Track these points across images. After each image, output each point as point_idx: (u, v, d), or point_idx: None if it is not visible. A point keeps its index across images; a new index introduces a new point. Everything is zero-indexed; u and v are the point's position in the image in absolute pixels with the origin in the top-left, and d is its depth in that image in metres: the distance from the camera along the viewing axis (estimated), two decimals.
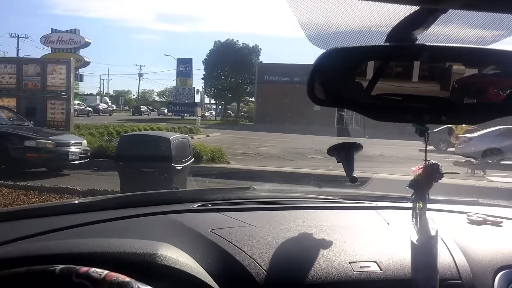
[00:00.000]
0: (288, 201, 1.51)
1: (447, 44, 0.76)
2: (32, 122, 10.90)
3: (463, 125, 16.73)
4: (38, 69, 13.63)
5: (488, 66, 0.80)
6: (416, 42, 0.76)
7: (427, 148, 0.84)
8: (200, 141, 15.30)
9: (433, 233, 0.79)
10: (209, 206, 1.32)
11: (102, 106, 47.66)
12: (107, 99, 63.67)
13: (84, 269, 0.68)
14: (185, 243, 0.98)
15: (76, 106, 43.16)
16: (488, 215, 1.29)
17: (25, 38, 49.12)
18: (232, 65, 45.93)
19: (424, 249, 0.78)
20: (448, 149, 17.86)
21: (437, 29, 0.77)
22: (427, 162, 0.81)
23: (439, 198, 1.52)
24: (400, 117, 0.78)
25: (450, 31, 0.82)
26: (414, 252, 0.80)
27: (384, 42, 0.77)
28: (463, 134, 16.98)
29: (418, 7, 0.69)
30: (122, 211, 1.23)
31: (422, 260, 0.79)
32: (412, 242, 0.80)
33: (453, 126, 17.91)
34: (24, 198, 6.18)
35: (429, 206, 1.30)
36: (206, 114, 49.36)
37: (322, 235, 1.08)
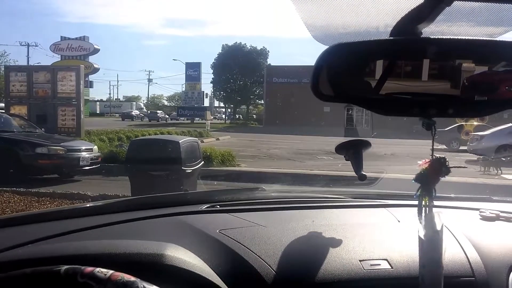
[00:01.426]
0: (297, 200, 1.50)
1: (452, 37, 0.75)
2: (43, 129, 11.02)
3: (472, 120, 16.57)
4: (48, 77, 13.77)
5: (496, 60, 0.78)
6: (421, 36, 0.75)
7: (438, 146, 0.82)
8: (210, 144, 15.34)
9: (438, 227, 0.78)
10: (218, 207, 1.32)
11: (135, 112, 53.13)
12: (142, 104, 66.81)
13: (89, 269, 0.69)
14: (193, 244, 0.98)
15: (134, 113, 48.21)
16: (501, 211, 1.26)
17: (35, 46, 49.64)
18: (240, 68, 46.10)
19: (430, 244, 0.77)
20: (460, 148, 17.67)
21: (442, 26, 0.77)
22: (434, 157, 0.79)
23: (451, 195, 1.50)
24: (406, 111, 0.77)
25: (457, 28, 0.81)
26: (421, 247, 0.79)
27: (389, 37, 0.76)
28: (474, 131, 16.79)
29: (422, 0, 0.68)
30: (131, 213, 1.24)
31: (428, 255, 0.77)
32: (419, 238, 0.79)
33: (464, 123, 17.72)
34: (36, 204, 6.24)
35: (440, 202, 1.29)
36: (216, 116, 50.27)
37: (332, 233, 1.07)
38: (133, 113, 52.18)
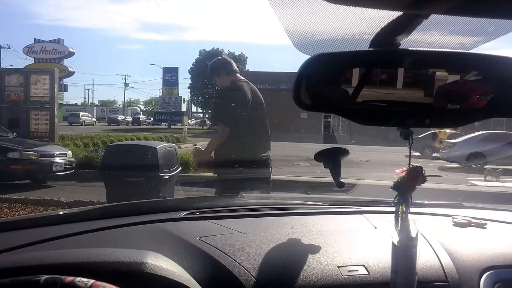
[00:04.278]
0: (276, 207, 1.51)
1: (429, 49, 0.78)
2: (15, 134, 10.72)
3: (447, 129, 17.07)
4: (21, 80, 13.42)
5: (469, 71, 0.81)
6: (399, 48, 0.78)
7: (412, 153, 0.85)
8: (188, 150, 15.19)
9: (413, 234, 0.80)
10: (197, 214, 1.31)
11: (121, 117, 54.27)
12: (139, 109, 69.63)
13: (69, 278, 0.67)
14: (173, 252, 0.97)
15: (120, 118, 50.76)
16: (473, 218, 1.30)
17: (8, 48, 48.15)
18: None
19: (404, 251, 0.79)
20: (433, 155, 18.12)
21: (419, 36, 0.79)
22: (411, 165, 0.82)
23: (425, 201, 1.54)
24: (385, 121, 0.80)
25: (432, 37, 0.84)
26: (394, 254, 0.81)
27: (368, 48, 0.78)
28: (447, 139, 17.27)
29: (401, 13, 0.70)
30: (109, 221, 1.22)
31: (402, 262, 0.79)
32: (393, 244, 0.80)
33: (437, 131, 18.21)
34: (8, 211, 6.05)
35: (414, 209, 1.32)
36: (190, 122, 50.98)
37: (311, 240, 1.08)
38: (119, 118, 53.00)
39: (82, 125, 39.00)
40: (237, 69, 3.69)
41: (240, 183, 3.30)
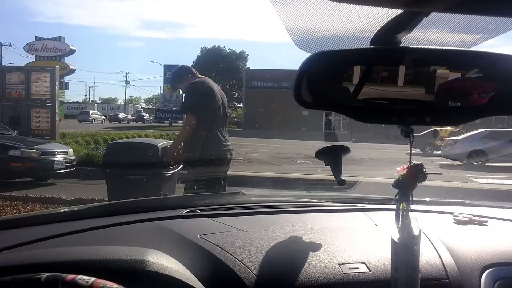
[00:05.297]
0: (277, 205, 1.51)
1: (430, 47, 0.78)
2: (16, 131, 10.74)
3: (448, 127, 17.07)
4: (22, 77, 13.43)
5: (470, 68, 0.81)
6: (400, 45, 0.78)
7: (413, 150, 0.85)
8: None
9: (416, 232, 0.80)
10: (198, 212, 1.31)
11: (122, 115, 55.89)
12: (140, 107, 71.02)
13: (70, 276, 0.68)
14: (174, 250, 0.97)
15: (121, 116, 51.84)
16: (474, 215, 1.30)
17: (8, 46, 48.08)
18: (219, 71, 46.06)
19: (406, 249, 0.79)
20: (434, 152, 18.12)
21: (420, 33, 0.79)
22: (411, 163, 0.82)
23: (425, 199, 1.54)
24: (385, 119, 0.80)
25: (433, 35, 0.84)
26: (395, 251, 0.81)
27: (369, 46, 0.78)
28: (448, 136, 17.26)
29: (401, 10, 0.70)
30: (110, 218, 1.22)
31: (403, 259, 0.79)
32: (393, 241, 0.80)
33: (438, 129, 18.21)
34: (9, 208, 6.07)
35: (415, 207, 1.32)
36: None
37: (312, 238, 1.08)
38: (120, 115, 54.25)
39: (92, 122, 42.20)
40: (196, 71, 4.12)
41: (206, 178, 3.48)
